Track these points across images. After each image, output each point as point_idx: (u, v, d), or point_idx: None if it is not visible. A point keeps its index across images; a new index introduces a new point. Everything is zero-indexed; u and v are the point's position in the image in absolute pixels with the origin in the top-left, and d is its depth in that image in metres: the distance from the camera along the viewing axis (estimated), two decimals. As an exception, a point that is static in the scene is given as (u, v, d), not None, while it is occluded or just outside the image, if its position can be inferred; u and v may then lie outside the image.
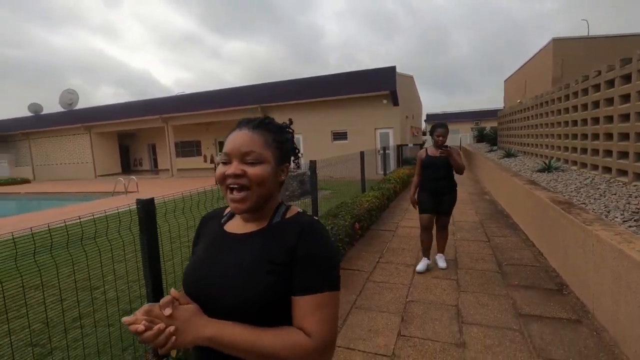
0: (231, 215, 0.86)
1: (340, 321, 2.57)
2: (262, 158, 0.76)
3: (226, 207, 0.90)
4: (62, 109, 20.84)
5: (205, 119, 17.26)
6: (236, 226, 0.82)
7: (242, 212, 0.77)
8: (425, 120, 41.30)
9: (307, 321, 0.69)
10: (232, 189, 0.75)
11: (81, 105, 21.35)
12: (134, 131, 21.61)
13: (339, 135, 14.18)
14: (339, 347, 2.25)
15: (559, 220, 3.16)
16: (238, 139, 0.77)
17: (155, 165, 22.70)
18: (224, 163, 0.77)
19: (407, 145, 13.47)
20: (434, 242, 3.62)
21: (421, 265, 3.47)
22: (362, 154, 6.98)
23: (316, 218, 0.82)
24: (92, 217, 1.74)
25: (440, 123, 3.36)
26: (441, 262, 3.54)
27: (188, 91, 18.98)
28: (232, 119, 16.64)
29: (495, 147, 13.17)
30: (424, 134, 36.42)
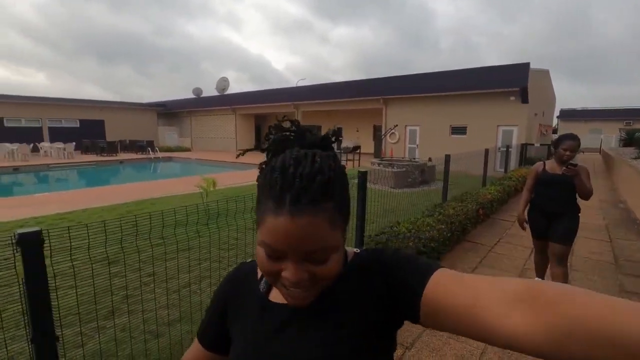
0: (268, 285, 0.63)
1: (469, 271, 3.65)
2: (331, 246, 0.50)
3: (248, 264, 0.69)
4: (216, 93, 25.56)
5: (330, 107, 19.23)
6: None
7: (303, 307, 0.55)
8: (558, 117, 36.52)
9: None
10: (289, 288, 0.52)
11: (209, 89, 25.81)
12: (266, 114, 25.19)
13: (458, 130, 14.39)
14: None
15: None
16: (296, 230, 0.47)
17: (281, 144, 26.13)
18: (271, 257, 0.50)
19: (532, 144, 12.97)
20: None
21: None
22: (486, 151, 7.58)
23: (380, 248, 0.63)
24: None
25: (570, 134, 2.75)
26: None
27: (306, 79, 21.24)
28: (353, 108, 18.22)
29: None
30: (555, 131, 32.46)
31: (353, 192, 3.39)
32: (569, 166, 2.59)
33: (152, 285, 2.92)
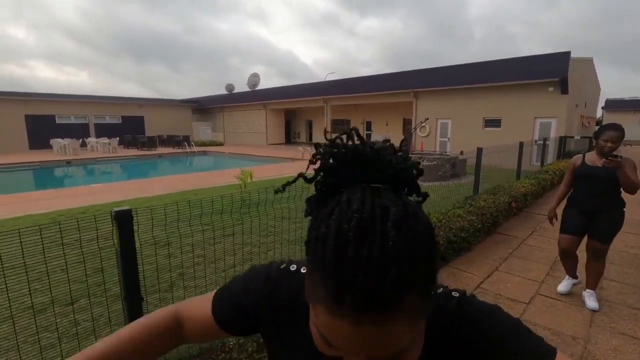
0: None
1: (500, 261, 3.73)
2: (412, 344, 0.39)
3: (294, 278, 0.56)
4: (247, 88, 26.22)
5: (359, 101, 19.24)
6: None
7: None
8: (603, 108, 34.32)
9: None
10: None
11: (238, 84, 26.37)
12: (295, 109, 25.55)
13: (492, 122, 14.01)
14: (501, 271, 3.45)
15: None
16: (360, 337, 0.35)
17: (310, 138, 26.37)
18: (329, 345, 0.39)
19: (572, 137, 12.42)
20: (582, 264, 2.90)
21: (563, 285, 2.95)
22: (521, 144, 7.45)
23: (457, 294, 0.49)
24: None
25: (612, 124, 2.54)
26: (590, 302, 2.69)
27: (335, 72, 21.29)
28: (383, 101, 18.13)
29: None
30: (598, 123, 30.55)
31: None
32: (610, 157, 2.38)
33: (203, 265, 3.26)
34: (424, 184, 5.50)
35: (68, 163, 14.74)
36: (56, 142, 17.59)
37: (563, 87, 11.89)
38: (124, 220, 1.64)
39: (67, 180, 12.24)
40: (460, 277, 3.37)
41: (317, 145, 0.44)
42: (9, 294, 1.69)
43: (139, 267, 1.74)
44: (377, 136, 16.80)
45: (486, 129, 14.13)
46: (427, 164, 8.83)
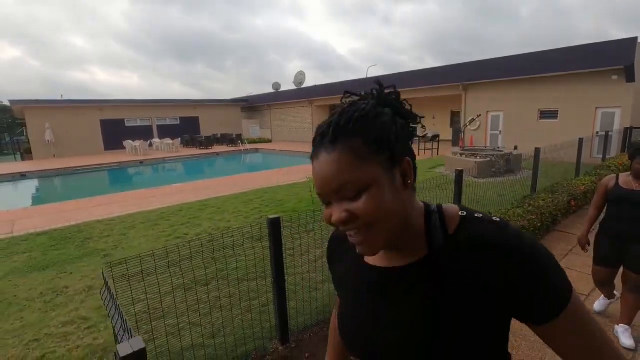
0: None
1: (560, 258, 4.05)
2: (363, 183, 0.51)
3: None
4: (294, 87, 27.12)
5: (405, 96, 19.17)
6: (380, 259, 0.62)
7: (375, 254, 0.57)
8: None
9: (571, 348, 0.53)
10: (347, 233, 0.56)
11: (279, 78, 27.17)
12: (335, 105, 26.04)
13: (548, 114, 13.55)
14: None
15: None
16: (322, 171, 0.53)
17: (355, 133, 26.84)
18: (325, 204, 0.55)
19: (639, 128, 11.75)
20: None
21: (599, 305, 2.78)
22: (580, 140, 7.39)
23: (498, 219, 0.56)
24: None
25: None
26: (625, 340, 2.42)
27: (377, 65, 21.34)
28: (430, 95, 18.07)
29: None
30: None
31: (451, 185, 4.02)
32: None
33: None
34: (479, 180, 5.79)
35: (141, 163, 16.51)
36: (128, 144, 19.64)
37: (629, 74, 11.25)
38: (275, 224, 2.32)
39: (149, 179, 13.80)
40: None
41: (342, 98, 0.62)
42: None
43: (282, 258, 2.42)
44: (426, 131, 16.85)
45: (541, 120, 13.70)
46: (481, 160, 8.98)
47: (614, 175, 2.56)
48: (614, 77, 11.67)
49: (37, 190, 12.44)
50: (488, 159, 9.12)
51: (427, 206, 0.61)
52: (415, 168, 0.58)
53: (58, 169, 14.64)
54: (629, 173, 2.45)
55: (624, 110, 11.76)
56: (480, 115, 14.50)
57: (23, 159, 21.17)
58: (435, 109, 20.76)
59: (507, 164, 9.32)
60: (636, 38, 11.08)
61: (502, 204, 5.19)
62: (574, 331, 0.52)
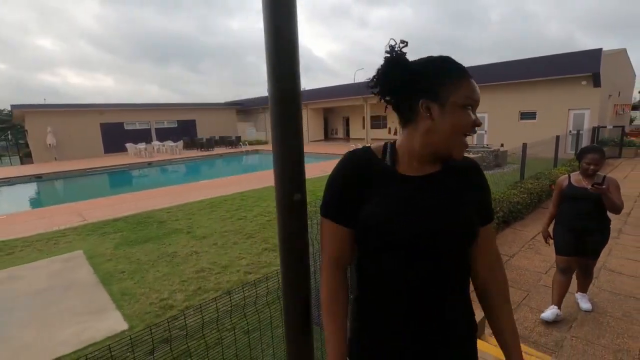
0: (392, 161, 0.84)
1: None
2: None
3: (368, 148, 0.88)
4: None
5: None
6: (414, 169, 0.83)
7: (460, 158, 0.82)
8: (640, 92, 33.70)
9: (493, 243, 0.91)
10: (466, 137, 0.81)
11: (259, 80, 28.25)
12: (334, 107, 27.26)
13: (527, 115, 15.15)
14: (547, 230, 5.05)
15: None
16: (477, 88, 0.80)
17: (348, 134, 28.05)
18: (469, 109, 0.79)
19: (605, 127, 13.44)
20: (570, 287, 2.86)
21: (549, 313, 2.81)
22: (557, 138, 8.80)
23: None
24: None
25: (592, 147, 2.67)
26: (584, 303, 2.87)
27: (364, 68, 22.73)
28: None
29: None
30: (635, 108, 30.24)
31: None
32: (595, 184, 2.46)
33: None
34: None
35: (149, 164, 17.18)
36: (131, 147, 20.20)
37: (595, 80, 12.92)
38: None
39: (170, 178, 14.56)
40: (518, 234, 4.99)
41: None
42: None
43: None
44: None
45: (522, 121, 15.28)
46: (474, 156, 10.31)
47: (567, 175, 2.83)
48: (584, 83, 13.33)
49: (68, 189, 13.12)
50: (480, 154, 10.47)
51: None
52: None
53: (71, 170, 15.22)
54: (578, 172, 2.74)
55: (592, 112, 13.43)
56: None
57: (22, 162, 21.37)
58: (424, 111, 22.20)
59: (495, 159, 10.71)
60: (601, 49, 12.74)
61: (500, 187, 6.44)
62: (494, 236, 0.91)
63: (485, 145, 12.41)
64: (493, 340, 2.43)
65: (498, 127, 15.77)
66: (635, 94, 28.08)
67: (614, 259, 4.01)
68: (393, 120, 24.82)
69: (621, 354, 2.47)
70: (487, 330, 2.55)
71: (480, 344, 2.03)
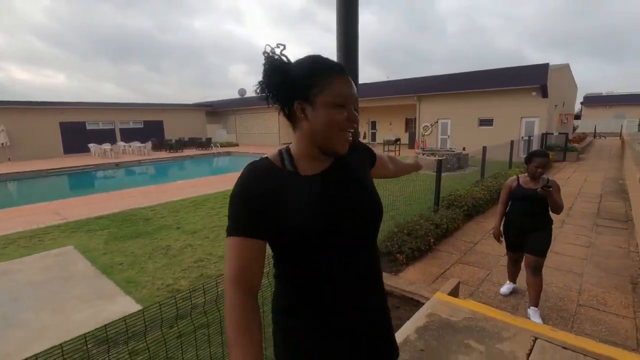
0: (292, 166, 0.84)
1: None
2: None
3: (266, 159, 0.87)
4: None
5: (368, 104, 21.52)
6: (315, 168, 0.86)
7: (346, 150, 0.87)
8: (582, 103, 37.32)
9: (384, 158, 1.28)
10: (347, 133, 0.84)
11: (221, 81, 28.55)
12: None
13: (485, 122, 16.45)
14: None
15: (638, 189, 5.85)
16: (350, 84, 0.84)
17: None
18: (340, 107, 0.81)
19: (552, 133, 14.93)
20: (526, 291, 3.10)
21: (505, 288, 3.35)
22: (512, 142, 9.81)
23: None
24: (428, 162, 5.65)
25: (539, 151, 2.89)
26: (535, 319, 2.86)
27: (351, 79, 23.56)
28: (388, 104, 20.44)
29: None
30: (578, 117, 33.39)
31: (430, 175, 5.81)
32: (544, 187, 2.62)
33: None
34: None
35: (117, 165, 16.68)
36: (95, 147, 19.45)
37: (543, 92, 14.37)
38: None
39: (144, 179, 14.22)
40: (480, 226, 5.67)
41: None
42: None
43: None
44: (390, 135, 19.15)
45: (481, 127, 16.57)
46: (439, 158, 11.14)
47: (516, 177, 3.03)
48: (533, 94, 14.76)
49: (36, 189, 12.49)
50: (444, 157, 11.32)
51: None
52: None
53: (34, 170, 14.49)
54: (526, 174, 2.95)
55: (541, 120, 14.89)
56: (436, 122, 17.03)
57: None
58: (392, 116, 23.29)
59: (458, 161, 11.63)
60: (548, 64, 14.21)
61: (463, 186, 7.16)
62: (382, 158, 1.22)
63: (449, 149, 13.39)
64: (470, 300, 2.96)
65: (460, 133, 16.97)
66: (577, 104, 31.12)
67: (557, 244, 4.73)
68: (362, 125, 25.73)
69: (562, 312, 3.09)
70: (463, 287, 3.08)
71: (457, 301, 2.54)
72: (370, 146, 1.12)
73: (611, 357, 1.87)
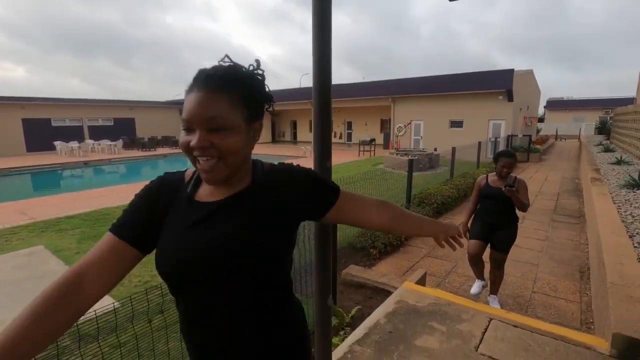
0: (196, 184, 0.80)
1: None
2: (230, 124, 0.69)
3: (184, 172, 0.84)
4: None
5: (344, 105, 21.84)
6: (213, 195, 0.77)
7: (216, 183, 0.74)
8: (545, 107, 39.42)
9: (359, 201, 0.96)
10: (199, 159, 0.71)
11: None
12: (281, 110, 27.69)
13: (456, 124, 17.12)
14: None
15: (590, 187, 6.39)
16: (201, 102, 0.68)
17: (295, 137, 28.64)
18: (187, 130, 0.70)
19: (517, 135, 15.77)
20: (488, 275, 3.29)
21: (475, 287, 3.33)
22: (479, 144, 10.32)
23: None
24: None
25: (506, 151, 3.00)
26: (494, 304, 3.09)
27: (308, 73, 23.73)
28: (364, 105, 20.83)
29: (605, 142, 14.54)
30: (541, 120, 35.27)
31: (403, 174, 6.09)
32: (507, 187, 2.74)
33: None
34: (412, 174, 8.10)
35: (86, 164, 16.08)
36: (62, 145, 18.63)
37: (509, 96, 15.16)
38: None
39: (110, 178, 13.76)
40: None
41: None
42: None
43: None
44: (365, 135, 19.52)
45: (451, 128, 17.23)
46: (412, 158, 11.54)
47: (485, 176, 3.14)
48: (500, 97, 15.53)
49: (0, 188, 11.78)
50: (416, 157, 11.74)
51: (255, 160, 0.84)
52: (261, 130, 0.78)
53: (-9, 170, 13.72)
54: (494, 173, 3.05)
55: (507, 122, 15.69)
56: (409, 123, 17.54)
57: None
58: (368, 117, 23.73)
59: (429, 161, 12.09)
60: (513, 69, 15.02)
61: (434, 185, 7.50)
62: (356, 198, 0.97)
63: (421, 149, 13.87)
64: (435, 289, 3.18)
65: (432, 134, 17.58)
66: (540, 108, 32.89)
67: (518, 238, 4.90)
68: (338, 125, 26.05)
69: (519, 299, 3.39)
70: (430, 279, 3.33)
71: (423, 289, 2.75)
72: (335, 184, 0.93)
73: (554, 332, 2.13)
